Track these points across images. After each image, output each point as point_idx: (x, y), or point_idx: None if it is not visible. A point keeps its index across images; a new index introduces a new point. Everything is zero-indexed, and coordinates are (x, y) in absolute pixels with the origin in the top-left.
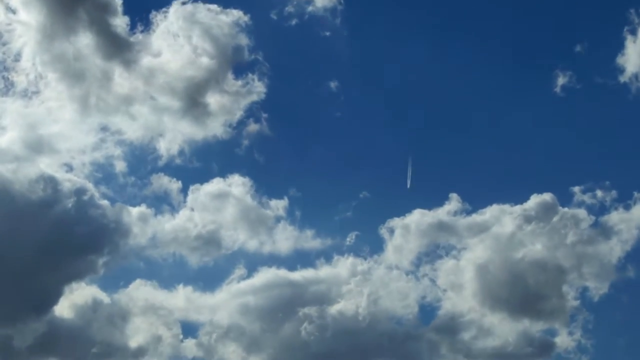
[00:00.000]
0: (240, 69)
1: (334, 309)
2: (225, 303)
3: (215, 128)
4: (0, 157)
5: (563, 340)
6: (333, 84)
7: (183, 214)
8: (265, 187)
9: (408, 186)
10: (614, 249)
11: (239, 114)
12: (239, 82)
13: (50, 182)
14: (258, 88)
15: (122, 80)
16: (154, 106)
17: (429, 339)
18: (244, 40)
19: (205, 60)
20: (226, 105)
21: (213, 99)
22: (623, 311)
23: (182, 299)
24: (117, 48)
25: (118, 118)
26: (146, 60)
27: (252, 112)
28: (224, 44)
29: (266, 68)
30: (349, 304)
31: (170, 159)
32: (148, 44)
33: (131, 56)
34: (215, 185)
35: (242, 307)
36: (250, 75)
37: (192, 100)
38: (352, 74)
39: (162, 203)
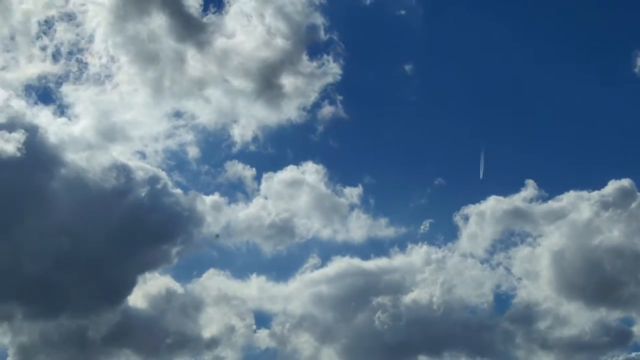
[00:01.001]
0: (315, 50)
1: (407, 298)
2: (298, 292)
3: (290, 111)
4: (74, 145)
5: None
6: (408, 67)
7: (257, 202)
8: (339, 175)
9: (481, 176)
10: None
11: (313, 97)
12: (314, 64)
13: (123, 170)
14: (333, 69)
15: (195, 62)
16: (227, 89)
17: (503, 328)
18: (318, 19)
19: (279, 41)
20: (300, 87)
21: (287, 81)
22: None
23: (255, 289)
24: (190, 29)
25: (191, 102)
26: (220, 42)
27: (327, 94)
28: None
29: (341, 49)
30: (423, 293)
31: (244, 145)
32: (221, 25)
33: (204, 37)
34: (289, 172)
35: (315, 296)
36: (325, 56)
37: (266, 82)
38: (427, 55)
39: (235, 191)
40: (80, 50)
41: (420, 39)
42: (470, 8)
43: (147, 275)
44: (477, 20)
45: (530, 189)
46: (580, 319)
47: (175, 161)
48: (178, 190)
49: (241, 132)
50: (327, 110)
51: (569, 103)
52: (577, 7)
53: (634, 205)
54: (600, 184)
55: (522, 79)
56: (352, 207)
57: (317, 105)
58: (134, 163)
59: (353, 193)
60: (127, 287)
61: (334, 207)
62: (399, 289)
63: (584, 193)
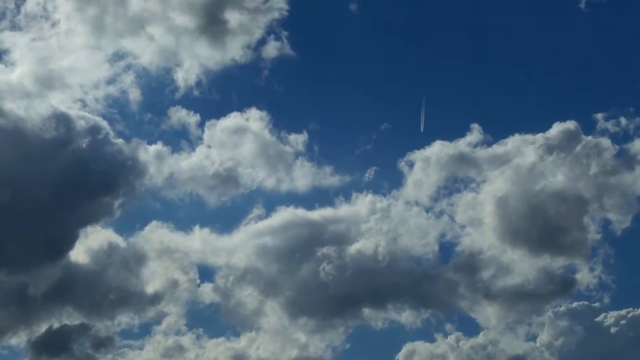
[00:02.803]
0: None
1: (352, 249)
2: (242, 245)
3: (234, 50)
4: (11, 94)
5: (584, 276)
6: (353, 7)
7: (200, 151)
8: (284, 121)
9: (421, 129)
10: (638, 180)
11: (258, 33)
12: None
13: (63, 119)
14: (279, 4)
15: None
16: (170, 26)
17: (447, 278)
18: None
19: None
20: (245, 24)
21: (232, 17)
22: None
23: (198, 242)
24: None
25: (133, 42)
26: None
27: (272, 30)
28: None
29: None
30: (368, 243)
31: (188, 90)
32: None
33: None
34: (233, 119)
35: (259, 248)
36: None
37: (210, 18)
38: None
39: (179, 139)
40: None
41: None
42: None
43: (89, 229)
44: None
45: (475, 133)
46: (524, 267)
47: (117, 109)
48: (120, 140)
49: (184, 77)
50: (272, 48)
51: (513, 43)
52: None
53: (578, 148)
54: (545, 127)
55: (467, 22)
56: (297, 155)
57: (262, 42)
58: (74, 112)
59: (298, 140)
60: (69, 241)
61: (279, 155)
62: (344, 240)
63: (529, 136)
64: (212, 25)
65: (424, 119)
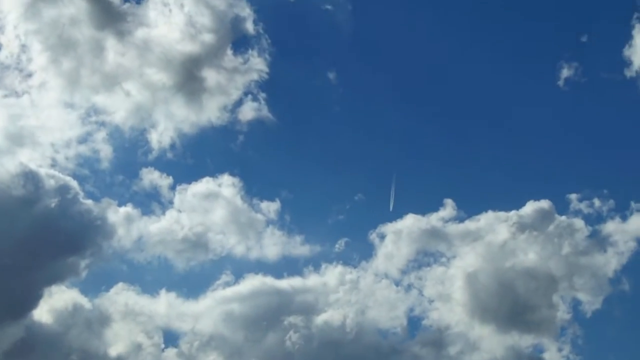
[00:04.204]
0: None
1: (320, 319)
2: (208, 310)
3: (211, 111)
4: None
5: (552, 356)
6: (332, 75)
7: (170, 215)
8: (257, 188)
9: (391, 208)
10: (609, 262)
11: (236, 94)
12: (239, 59)
13: (32, 178)
14: (258, 65)
15: (113, 53)
16: (146, 84)
17: (414, 352)
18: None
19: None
20: (222, 84)
21: (209, 76)
22: (616, 327)
23: (164, 305)
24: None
25: (108, 97)
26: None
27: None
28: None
29: (267, 43)
30: (336, 314)
31: (161, 152)
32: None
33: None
34: (205, 185)
35: (226, 315)
36: (250, 51)
37: (187, 76)
38: (353, 62)
39: (151, 201)
40: None
41: (346, 42)
42: (394, 17)
43: (54, 288)
44: (401, 31)
45: (448, 209)
46: (491, 343)
47: (89, 168)
48: (89, 201)
49: (159, 138)
50: (249, 110)
51: (493, 119)
52: (502, 13)
53: (551, 227)
54: (519, 205)
55: (446, 97)
56: (268, 223)
57: (239, 104)
58: (44, 170)
59: (270, 208)
60: (33, 300)
61: (250, 222)
62: (311, 310)
63: (502, 214)
64: (189, 83)
65: (394, 197)
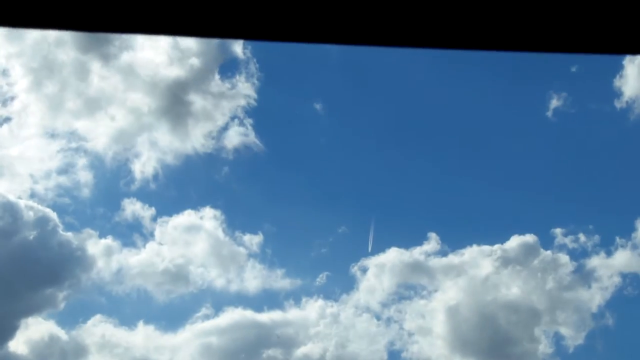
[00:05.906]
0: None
1: (299, 352)
2: (186, 343)
3: (196, 138)
4: None
5: None
6: (318, 106)
7: (150, 248)
8: (240, 221)
9: (369, 250)
10: (594, 297)
11: (222, 121)
12: (226, 84)
13: (10, 209)
14: (246, 91)
15: (98, 77)
16: (130, 109)
17: None
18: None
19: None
20: (208, 109)
21: (195, 100)
22: None
23: (141, 338)
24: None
25: (90, 123)
26: (126, 56)
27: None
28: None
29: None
30: (316, 348)
31: (144, 182)
32: (126, 37)
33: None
34: (187, 217)
35: (205, 348)
36: (238, 76)
37: (173, 102)
38: (340, 92)
39: (132, 232)
40: None
41: (336, 71)
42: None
43: (30, 319)
44: (387, 62)
45: (432, 242)
46: None
47: (69, 198)
48: (69, 234)
49: (142, 168)
50: (235, 135)
51: (479, 154)
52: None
53: (535, 261)
54: (504, 239)
55: (433, 130)
56: (249, 256)
57: (225, 129)
58: (23, 202)
59: (253, 241)
60: (9, 331)
61: (231, 255)
62: (291, 343)
63: (486, 247)
64: (174, 107)
65: (372, 240)
